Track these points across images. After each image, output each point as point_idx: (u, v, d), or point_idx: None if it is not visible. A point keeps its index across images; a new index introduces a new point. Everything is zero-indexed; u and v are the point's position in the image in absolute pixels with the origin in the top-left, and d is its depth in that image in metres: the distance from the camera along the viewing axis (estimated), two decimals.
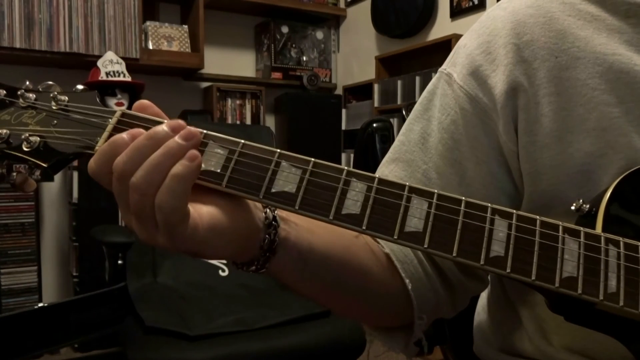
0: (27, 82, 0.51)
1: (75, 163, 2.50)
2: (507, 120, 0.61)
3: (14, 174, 0.49)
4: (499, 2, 0.68)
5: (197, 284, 1.92)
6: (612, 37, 0.60)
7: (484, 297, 0.80)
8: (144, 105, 0.49)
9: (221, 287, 1.93)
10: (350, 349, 1.58)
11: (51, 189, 2.85)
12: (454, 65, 0.66)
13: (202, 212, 0.45)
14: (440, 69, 0.68)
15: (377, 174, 0.66)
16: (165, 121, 0.47)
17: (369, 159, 1.62)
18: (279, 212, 0.50)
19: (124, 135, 0.45)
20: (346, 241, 0.56)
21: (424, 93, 0.68)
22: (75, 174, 2.54)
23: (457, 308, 0.66)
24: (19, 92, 0.50)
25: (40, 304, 1.67)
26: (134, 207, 0.44)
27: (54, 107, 0.49)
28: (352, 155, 3.23)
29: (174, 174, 0.43)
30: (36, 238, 2.57)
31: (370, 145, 1.67)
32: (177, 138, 0.44)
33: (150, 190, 0.43)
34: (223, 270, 2.00)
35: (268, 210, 0.50)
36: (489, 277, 0.75)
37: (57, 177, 2.83)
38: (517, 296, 0.69)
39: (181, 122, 0.45)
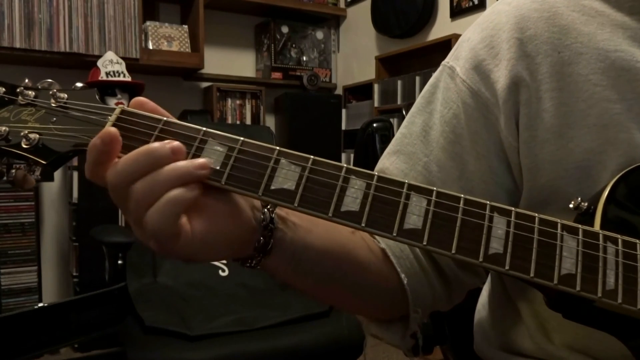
0: (26, 80, 0.51)
1: (74, 163, 2.50)
2: (509, 115, 0.61)
3: (13, 171, 0.49)
4: None
5: (197, 284, 1.92)
6: (616, 32, 0.60)
7: (484, 295, 0.80)
8: (141, 101, 0.49)
9: (221, 287, 1.93)
10: (349, 349, 1.58)
11: (51, 189, 2.85)
12: (457, 58, 0.66)
13: (195, 227, 0.44)
14: (443, 62, 0.68)
15: (378, 166, 0.67)
16: (165, 118, 0.47)
17: (369, 159, 1.62)
18: (279, 211, 0.50)
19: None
20: (343, 239, 0.56)
21: (427, 86, 0.68)
22: (75, 174, 2.54)
23: (453, 302, 0.66)
24: (18, 90, 0.50)
25: (40, 304, 1.67)
26: (132, 212, 0.44)
27: (53, 105, 0.49)
28: (352, 155, 3.23)
29: (168, 196, 0.42)
30: (36, 238, 2.57)
31: (370, 145, 1.67)
32: (189, 165, 0.44)
33: (149, 201, 0.43)
34: (223, 270, 2.00)
35: (267, 210, 0.49)
36: (488, 275, 0.75)
37: (57, 177, 2.83)
38: (518, 294, 0.69)
39: (202, 160, 0.45)
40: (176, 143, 0.44)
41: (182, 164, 0.44)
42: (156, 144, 0.44)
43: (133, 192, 0.43)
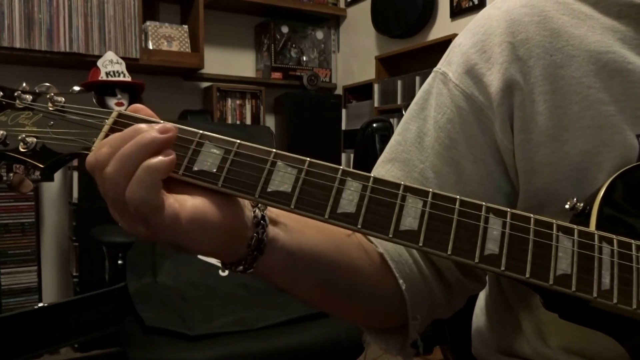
0: (24, 84, 0.51)
1: (75, 163, 2.50)
2: (503, 118, 0.61)
3: (11, 174, 0.49)
4: (494, 2, 0.68)
5: (197, 284, 1.92)
6: (606, 35, 0.61)
7: (482, 299, 0.80)
8: (138, 108, 0.49)
9: (221, 287, 1.93)
10: (349, 348, 1.58)
11: (51, 189, 2.85)
12: (449, 64, 0.66)
13: (186, 203, 0.44)
14: (435, 69, 0.68)
15: (372, 174, 0.66)
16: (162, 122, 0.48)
17: (369, 159, 1.63)
18: (269, 213, 0.50)
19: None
20: (338, 241, 0.56)
21: (419, 93, 0.68)
22: (75, 174, 2.54)
23: (454, 308, 0.66)
24: (15, 94, 0.51)
25: (40, 304, 1.67)
26: (110, 198, 0.44)
27: (50, 108, 0.50)
28: (352, 155, 3.23)
29: (145, 165, 0.43)
30: (36, 238, 2.57)
31: (370, 145, 1.68)
32: (151, 131, 0.44)
33: (121, 181, 0.43)
34: (223, 270, 2.00)
35: (257, 209, 0.49)
36: (486, 278, 0.75)
37: (57, 177, 2.84)
38: (515, 298, 0.69)
39: (167, 124, 0.45)
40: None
41: (144, 134, 0.44)
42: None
43: (107, 175, 0.44)
